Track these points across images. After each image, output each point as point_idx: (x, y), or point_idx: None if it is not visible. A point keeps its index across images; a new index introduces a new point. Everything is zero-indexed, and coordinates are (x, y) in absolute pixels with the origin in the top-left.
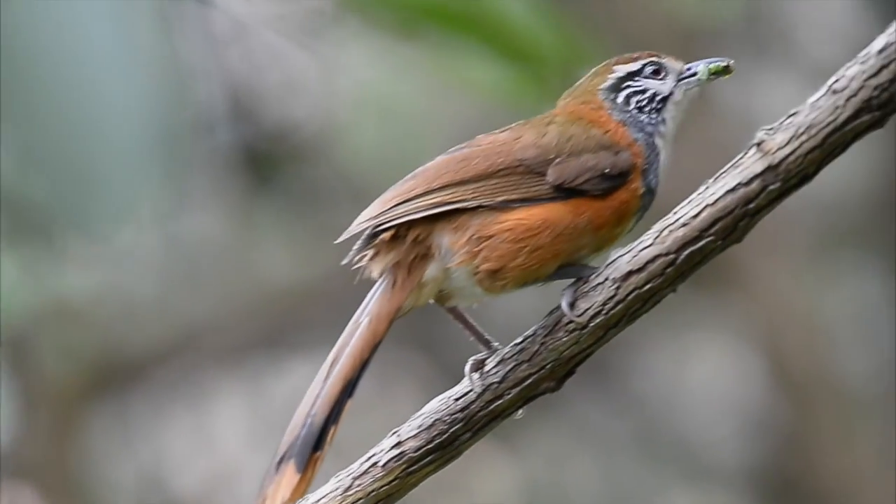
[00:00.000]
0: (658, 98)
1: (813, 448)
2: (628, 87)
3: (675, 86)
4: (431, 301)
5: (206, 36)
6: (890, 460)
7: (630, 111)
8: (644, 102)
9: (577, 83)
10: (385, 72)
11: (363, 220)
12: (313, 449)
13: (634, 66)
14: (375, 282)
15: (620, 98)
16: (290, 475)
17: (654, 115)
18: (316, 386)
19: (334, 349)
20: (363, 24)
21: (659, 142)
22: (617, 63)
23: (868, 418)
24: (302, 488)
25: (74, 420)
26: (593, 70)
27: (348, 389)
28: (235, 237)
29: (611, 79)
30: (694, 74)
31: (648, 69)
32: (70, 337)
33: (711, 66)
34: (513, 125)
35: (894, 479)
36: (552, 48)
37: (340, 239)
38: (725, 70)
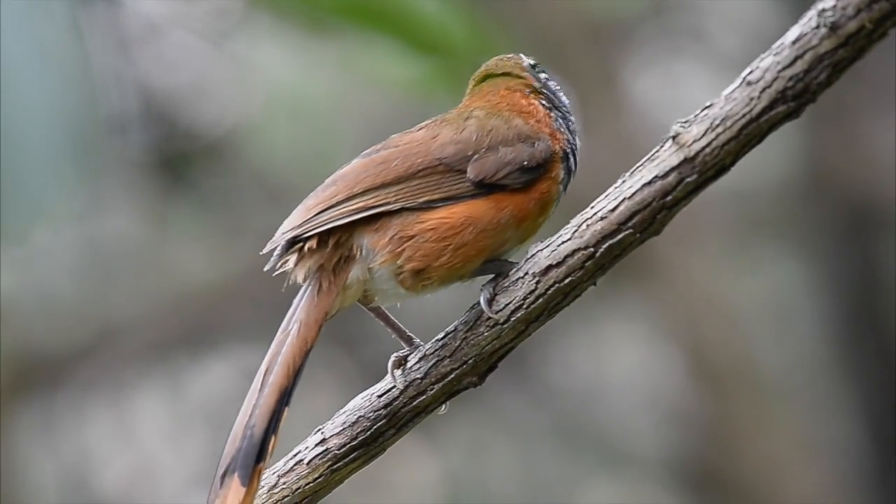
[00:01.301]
0: (559, 87)
1: (732, 437)
2: (541, 71)
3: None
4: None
5: (117, 37)
6: (809, 449)
7: (552, 93)
8: (558, 87)
9: (479, 73)
10: (296, 70)
11: (287, 230)
12: (255, 460)
13: (533, 60)
14: (298, 285)
15: (542, 78)
16: (235, 488)
17: (566, 104)
18: (252, 396)
19: (266, 358)
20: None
21: (573, 126)
22: (517, 56)
23: (787, 407)
24: (248, 501)
25: None
26: (495, 61)
27: (284, 398)
28: (151, 236)
29: (527, 62)
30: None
31: (540, 68)
32: None
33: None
34: (429, 122)
35: (813, 468)
36: (463, 41)
37: (266, 250)
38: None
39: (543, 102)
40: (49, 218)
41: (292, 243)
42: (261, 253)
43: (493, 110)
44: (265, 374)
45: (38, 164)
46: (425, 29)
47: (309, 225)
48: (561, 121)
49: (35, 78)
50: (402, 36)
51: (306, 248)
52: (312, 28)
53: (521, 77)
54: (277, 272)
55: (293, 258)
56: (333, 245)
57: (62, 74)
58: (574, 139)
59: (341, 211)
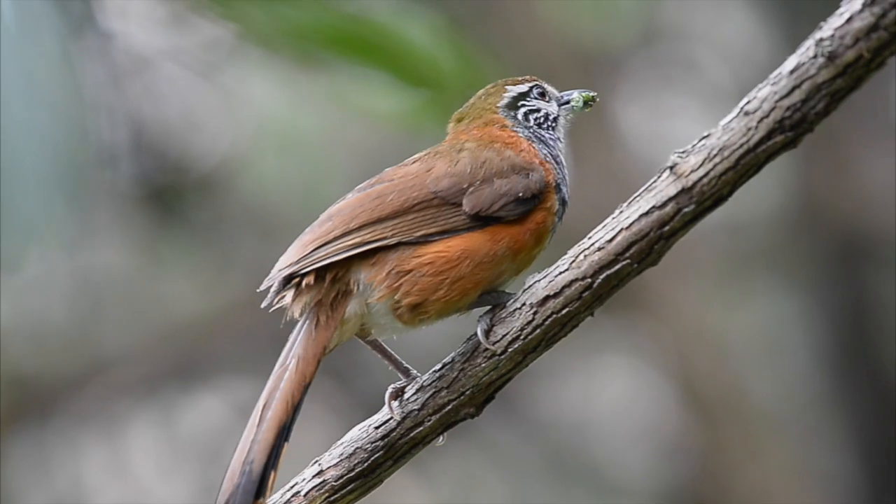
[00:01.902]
0: (550, 117)
1: (723, 468)
2: (523, 105)
3: (558, 109)
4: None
5: (109, 70)
6: (800, 479)
7: (531, 127)
8: (542, 119)
9: (468, 105)
10: (286, 103)
11: (284, 266)
12: (255, 496)
13: (524, 87)
14: (295, 320)
15: (520, 115)
16: None
17: (552, 132)
18: (250, 432)
19: (264, 392)
20: (264, 54)
21: (561, 157)
22: (507, 84)
23: (778, 438)
24: None
25: None
26: (483, 91)
27: (283, 433)
28: (142, 268)
29: (506, 97)
30: (569, 102)
31: (535, 91)
32: None
33: (584, 94)
34: (422, 154)
35: (804, 498)
36: (453, 73)
37: (262, 288)
38: (593, 100)
39: (522, 133)
40: (40, 247)
41: (289, 279)
42: (258, 290)
43: (484, 142)
44: (263, 409)
45: (30, 193)
46: (415, 61)
47: (306, 261)
48: (545, 151)
49: (27, 110)
50: (391, 68)
51: (304, 283)
52: (302, 61)
53: (493, 115)
54: (274, 309)
55: (290, 294)
56: (331, 280)
57: (54, 106)
58: (561, 168)
59: (338, 247)
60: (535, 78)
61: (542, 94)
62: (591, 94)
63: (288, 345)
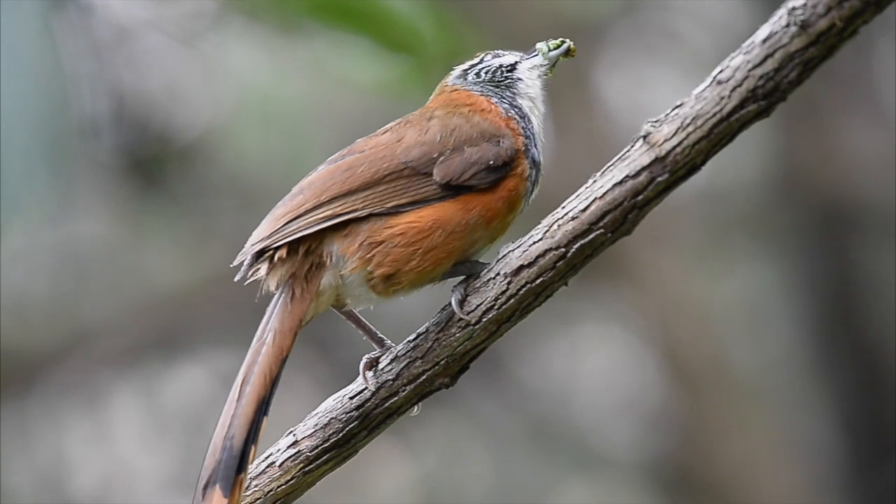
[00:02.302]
0: (504, 67)
1: (706, 438)
2: (474, 68)
3: (519, 60)
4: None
5: (90, 41)
6: (783, 449)
7: (482, 82)
8: (490, 73)
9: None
10: (268, 73)
11: (257, 241)
12: (236, 471)
13: (476, 59)
14: (271, 293)
15: (469, 77)
16: (217, 500)
17: (504, 84)
18: (230, 407)
19: (243, 367)
20: (246, 23)
21: (524, 104)
22: (460, 64)
23: (761, 407)
24: None
25: None
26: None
27: (263, 407)
28: (124, 240)
29: (457, 70)
30: (534, 55)
31: (488, 57)
32: None
33: (550, 43)
34: (393, 124)
35: (788, 468)
36: (434, 40)
37: (235, 263)
38: (567, 51)
39: (479, 92)
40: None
41: (262, 253)
42: (231, 265)
43: (453, 109)
44: (242, 384)
45: (12, 165)
46: (396, 28)
47: (278, 235)
48: (506, 105)
49: (8, 81)
50: (373, 35)
51: (276, 257)
52: (285, 29)
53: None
54: (249, 281)
55: (264, 267)
56: (304, 253)
57: (35, 77)
58: (526, 123)
59: (310, 220)
60: (490, 52)
61: (497, 56)
62: (555, 41)
63: (264, 319)
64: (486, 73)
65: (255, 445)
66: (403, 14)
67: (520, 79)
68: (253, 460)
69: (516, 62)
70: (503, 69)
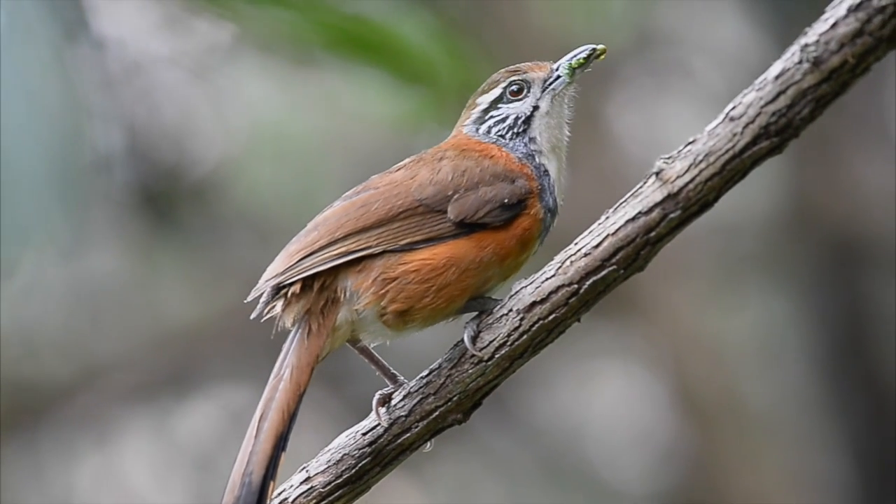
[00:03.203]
0: (520, 120)
1: (718, 472)
2: (491, 116)
3: (539, 98)
4: None
5: (102, 76)
6: (794, 483)
7: (494, 138)
8: (504, 130)
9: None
10: (281, 107)
11: (271, 276)
12: None
13: (496, 93)
14: (287, 329)
15: (482, 129)
16: None
17: (520, 138)
18: (248, 443)
19: (260, 403)
20: (261, 56)
21: (541, 160)
22: (480, 94)
23: (773, 441)
24: None
25: None
26: (474, 94)
27: (281, 443)
28: (136, 274)
29: (475, 113)
30: (558, 78)
31: (509, 91)
32: None
33: (573, 61)
34: (407, 161)
35: (798, 502)
36: (447, 71)
37: (249, 298)
38: (589, 59)
39: (493, 143)
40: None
41: (278, 290)
42: (245, 301)
43: (463, 152)
44: (260, 420)
45: (26, 199)
46: (410, 59)
47: (293, 271)
48: (519, 155)
49: (22, 116)
50: (387, 66)
51: (290, 293)
52: (299, 62)
53: (461, 131)
54: (265, 318)
55: (280, 304)
56: (318, 289)
57: (49, 112)
58: (542, 174)
59: (323, 257)
60: (511, 71)
61: (518, 91)
62: (584, 54)
63: (282, 355)
64: (499, 132)
65: (273, 481)
66: (417, 45)
67: (534, 138)
68: (271, 496)
69: (534, 111)
70: (519, 122)
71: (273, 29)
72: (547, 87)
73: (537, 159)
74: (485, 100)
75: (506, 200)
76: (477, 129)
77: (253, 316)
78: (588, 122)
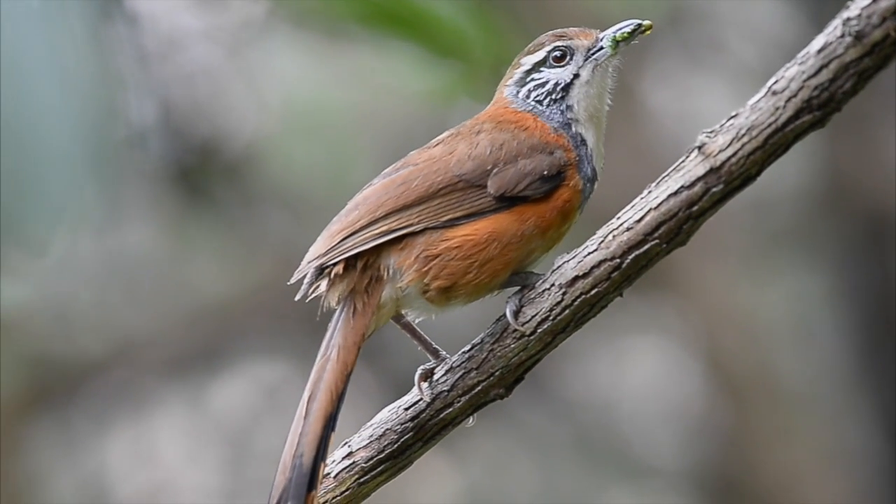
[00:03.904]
0: (559, 87)
1: (752, 448)
2: (532, 80)
3: (581, 66)
4: None
5: (137, 51)
6: (828, 459)
7: (532, 104)
8: (543, 95)
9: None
10: (315, 82)
11: (313, 258)
12: (307, 489)
13: (540, 56)
14: (332, 309)
15: (522, 93)
16: None
17: (556, 105)
18: (297, 424)
19: (309, 384)
20: (294, 30)
21: (578, 128)
22: (525, 55)
23: (806, 417)
24: None
25: (15, 434)
26: (519, 54)
27: (330, 424)
28: (169, 249)
29: (517, 74)
30: (601, 49)
31: (552, 56)
32: (7, 350)
33: (617, 34)
34: (445, 135)
35: (833, 478)
36: (481, 44)
37: (294, 279)
38: (634, 33)
39: (530, 111)
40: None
41: (321, 270)
42: (288, 283)
43: (499, 124)
44: (309, 401)
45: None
46: (443, 33)
47: (335, 252)
48: (555, 124)
49: (56, 91)
50: (420, 40)
51: (334, 273)
52: (332, 36)
53: (501, 95)
54: (310, 298)
55: (324, 283)
56: (362, 268)
57: (83, 87)
58: (580, 143)
59: (365, 236)
60: (558, 35)
61: (561, 57)
62: (628, 28)
63: (328, 334)
64: (537, 97)
65: (324, 462)
66: (451, 19)
67: (571, 106)
68: (322, 477)
69: (573, 79)
70: (558, 89)
71: (306, 2)
72: (590, 57)
73: (574, 128)
74: (528, 61)
75: (545, 172)
76: (517, 93)
77: (298, 297)
78: (622, 98)
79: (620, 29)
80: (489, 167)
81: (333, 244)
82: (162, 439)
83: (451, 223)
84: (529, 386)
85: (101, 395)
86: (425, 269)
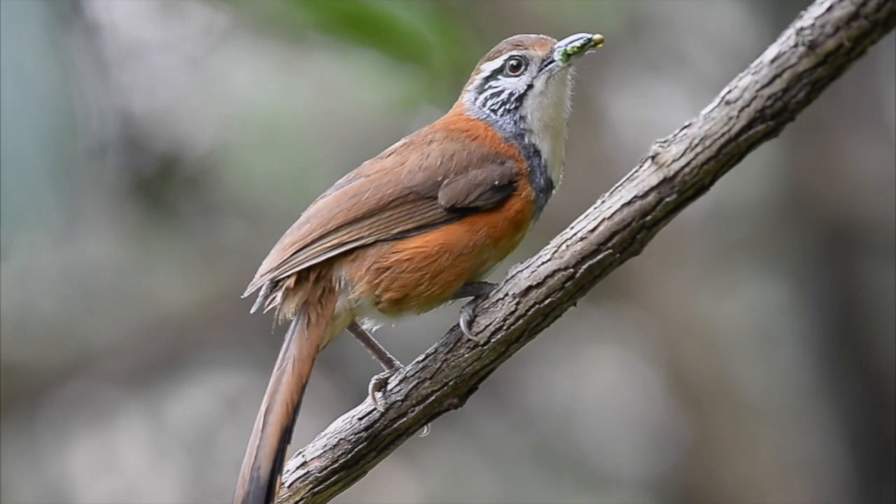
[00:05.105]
0: (513, 97)
1: (712, 458)
2: (489, 87)
3: (535, 76)
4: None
5: (96, 61)
6: (789, 469)
7: (487, 112)
8: (497, 104)
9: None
10: (274, 92)
11: (266, 271)
12: (265, 501)
13: (497, 63)
14: (288, 321)
15: (479, 101)
16: None
17: (510, 115)
18: (255, 437)
19: (265, 396)
20: (255, 39)
21: (532, 139)
22: (486, 60)
23: (767, 427)
24: None
25: None
26: (481, 59)
27: (286, 436)
28: (129, 260)
29: (477, 80)
30: (552, 61)
31: (509, 65)
32: None
33: (567, 47)
34: (398, 145)
35: (793, 488)
36: (441, 51)
37: (246, 294)
38: (585, 47)
39: (483, 119)
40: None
41: (275, 283)
42: (241, 297)
43: (450, 133)
44: (266, 413)
45: (19, 183)
46: (403, 39)
47: (287, 265)
48: (507, 135)
49: (17, 101)
50: (380, 46)
51: (287, 286)
52: (293, 42)
53: (461, 101)
54: (266, 310)
55: (279, 296)
56: (314, 280)
57: (43, 98)
58: (532, 153)
59: (317, 249)
60: (515, 44)
61: (517, 66)
62: (579, 42)
63: (284, 346)
64: (492, 106)
65: (280, 475)
66: (410, 25)
67: (524, 116)
68: (279, 490)
69: (527, 89)
70: (512, 99)
71: (267, 10)
72: (544, 68)
73: (527, 139)
74: (487, 67)
75: (496, 182)
76: (475, 99)
77: (253, 310)
78: (581, 107)
79: (571, 42)
80: (440, 178)
81: (286, 257)
82: (123, 449)
83: (402, 235)
84: (489, 395)
85: (62, 405)
86: (376, 281)
